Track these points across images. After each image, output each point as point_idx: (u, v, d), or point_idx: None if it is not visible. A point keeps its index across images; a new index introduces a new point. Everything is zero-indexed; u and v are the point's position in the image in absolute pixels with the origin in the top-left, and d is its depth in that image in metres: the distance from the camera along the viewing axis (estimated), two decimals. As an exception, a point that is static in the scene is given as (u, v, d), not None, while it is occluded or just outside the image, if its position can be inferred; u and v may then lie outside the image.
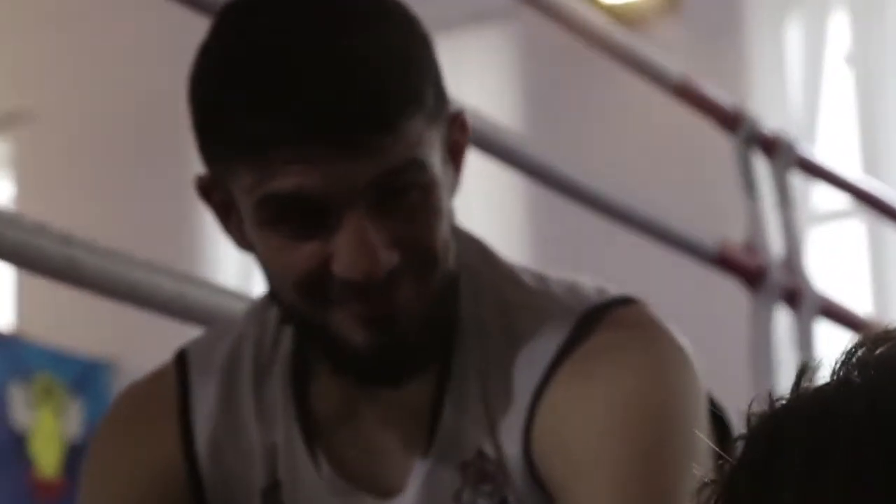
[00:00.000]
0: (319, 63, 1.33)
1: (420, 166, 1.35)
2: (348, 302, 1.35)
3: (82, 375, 7.42)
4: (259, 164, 1.33)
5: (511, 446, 1.42)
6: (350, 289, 1.34)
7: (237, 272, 7.13)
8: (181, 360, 1.53)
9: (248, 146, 1.34)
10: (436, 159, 1.37)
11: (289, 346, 1.49)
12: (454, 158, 1.43)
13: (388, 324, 1.36)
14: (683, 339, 1.45)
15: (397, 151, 1.33)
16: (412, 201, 1.35)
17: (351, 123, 1.32)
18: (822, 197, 6.00)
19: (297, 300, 1.38)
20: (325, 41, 1.34)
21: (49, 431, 7.21)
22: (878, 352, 0.80)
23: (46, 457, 7.18)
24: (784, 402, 0.80)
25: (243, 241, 1.41)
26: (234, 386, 1.50)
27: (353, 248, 1.33)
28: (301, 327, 1.43)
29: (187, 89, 1.40)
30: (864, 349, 0.80)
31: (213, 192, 1.42)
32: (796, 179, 3.43)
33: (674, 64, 3.07)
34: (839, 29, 6.51)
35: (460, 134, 1.45)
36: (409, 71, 1.36)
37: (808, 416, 0.79)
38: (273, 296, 1.42)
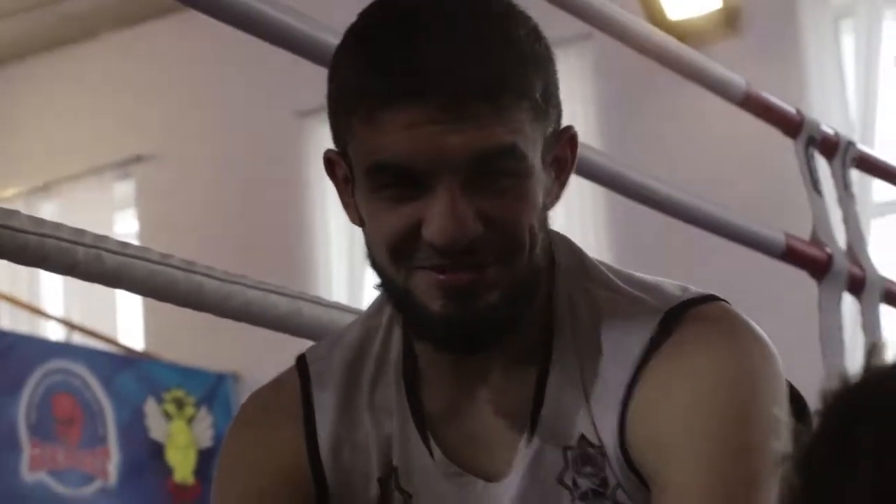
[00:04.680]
0: (444, 35, 1.33)
1: (519, 155, 1.34)
2: (431, 267, 1.35)
3: (210, 389, 7.48)
4: (371, 123, 1.34)
5: (608, 433, 1.42)
6: (434, 253, 1.34)
7: (346, 289, 7.18)
8: (301, 366, 1.54)
9: (365, 102, 1.34)
10: (535, 155, 1.36)
11: (399, 351, 1.50)
12: (559, 171, 1.43)
13: (466, 295, 1.36)
14: (763, 332, 1.44)
15: (500, 134, 1.33)
16: (505, 185, 1.34)
17: (462, 93, 1.31)
18: (881, 191, 5.96)
19: (388, 264, 1.38)
20: (454, 19, 1.34)
21: (183, 440, 7.27)
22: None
23: (182, 463, 7.26)
24: (857, 379, 0.79)
25: (356, 214, 1.42)
26: (352, 389, 1.51)
27: (443, 215, 1.33)
28: (391, 295, 1.43)
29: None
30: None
31: (336, 166, 1.43)
32: (856, 176, 3.39)
33: (736, 76, 3.06)
34: (892, 33, 6.47)
35: (569, 149, 1.44)
36: (524, 64, 1.35)
37: (881, 390, 0.78)
38: (373, 267, 1.42)
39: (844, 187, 3.29)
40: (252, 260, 6.33)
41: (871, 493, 0.75)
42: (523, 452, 1.44)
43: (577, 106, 6.72)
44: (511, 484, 1.44)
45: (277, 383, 1.56)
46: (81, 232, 1.86)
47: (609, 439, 1.41)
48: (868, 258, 3.24)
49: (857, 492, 0.76)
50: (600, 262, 1.51)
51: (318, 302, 2.13)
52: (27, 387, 6.73)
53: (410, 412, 1.48)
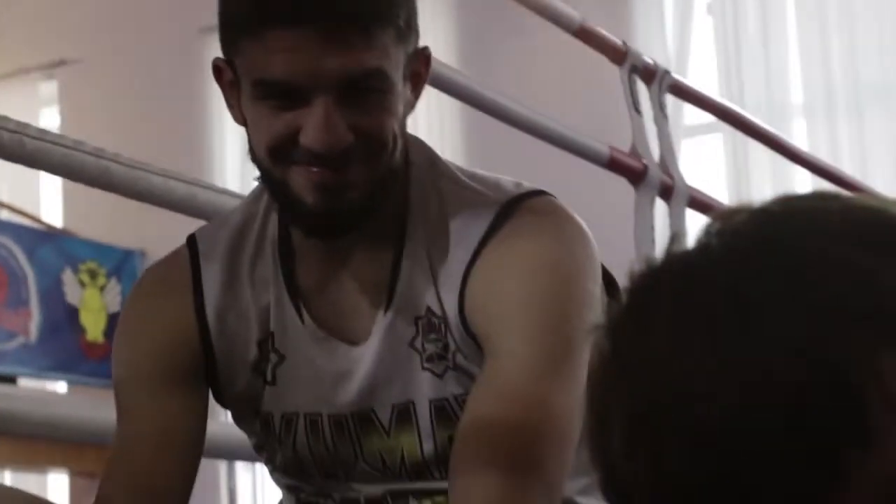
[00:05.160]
0: None
1: (383, 75, 1.33)
2: (306, 166, 1.34)
3: (120, 262, 7.40)
4: (257, 42, 1.32)
5: (450, 305, 1.42)
6: (310, 156, 1.33)
7: (238, 176, 7.14)
8: (192, 243, 1.52)
9: (252, 23, 1.32)
10: (397, 74, 1.36)
11: (275, 232, 1.49)
12: (415, 84, 1.42)
13: (336, 192, 1.35)
14: (582, 223, 1.45)
15: (369, 58, 1.32)
16: (371, 100, 1.34)
17: (339, 21, 1.30)
18: (691, 115, 6.02)
19: (268, 161, 1.37)
20: None
21: (95, 305, 7.21)
22: (731, 224, 0.79)
23: (94, 324, 7.21)
24: (658, 261, 0.80)
25: (240, 115, 1.40)
26: (235, 264, 1.49)
27: (319, 125, 1.32)
28: (270, 186, 1.42)
29: None
30: (720, 222, 0.80)
31: (223, 73, 1.40)
32: (670, 100, 3.42)
33: (572, 11, 3.05)
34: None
35: (423, 66, 1.43)
36: None
37: (677, 272, 0.79)
38: (253, 161, 1.40)
39: (660, 109, 3.31)
40: (159, 152, 6.23)
41: (667, 351, 0.76)
42: (380, 321, 1.44)
43: (439, 32, 6.70)
44: (370, 347, 1.44)
45: (171, 258, 1.53)
46: (5, 119, 1.82)
47: (451, 311, 1.42)
48: (677, 170, 3.27)
49: (655, 351, 0.76)
50: (449, 162, 1.50)
51: (211, 188, 2.11)
52: (-41, 256, 6.62)
53: (285, 284, 1.47)
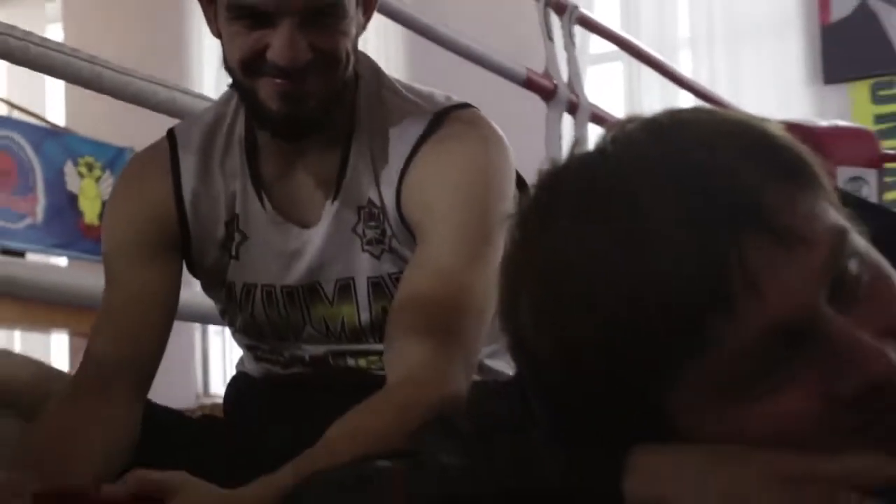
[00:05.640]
0: None
1: (341, 4, 1.34)
2: (271, 78, 1.34)
3: (113, 157, 7.34)
4: None
5: (388, 198, 1.41)
6: (275, 70, 1.33)
7: (214, 83, 7.06)
8: (171, 136, 1.50)
9: None
10: (352, 3, 1.36)
11: (242, 131, 1.47)
12: (366, 8, 1.41)
13: (297, 100, 1.35)
14: (501, 132, 1.44)
15: None
16: (329, 24, 1.34)
17: None
18: (596, 45, 5.99)
19: (240, 72, 1.36)
20: None
21: (92, 193, 7.16)
22: (624, 131, 0.78)
23: (90, 209, 7.16)
24: (561, 163, 0.79)
25: (216, 30, 1.40)
26: (208, 156, 1.48)
27: (284, 44, 1.32)
28: (241, 93, 1.41)
29: None
30: (616, 131, 0.79)
31: None
32: (578, 31, 3.39)
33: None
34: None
35: None
36: None
37: (577, 170, 0.78)
38: (227, 70, 1.40)
39: (569, 38, 3.30)
40: (148, 62, 6.13)
41: (569, 243, 0.75)
42: (329, 209, 1.43)
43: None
44: (319, 230, 1.44)
45: (152, 148, 1.52)
46: (13, 27, 1.79)
47: (389, 202, 1.41)
48: (582, 90, 3.27)
49: (557, 241, 0.76)
50: (391, 76, 1.49)
51: (189, 92, 2.09)
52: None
53: (250, 176, 1.46)
